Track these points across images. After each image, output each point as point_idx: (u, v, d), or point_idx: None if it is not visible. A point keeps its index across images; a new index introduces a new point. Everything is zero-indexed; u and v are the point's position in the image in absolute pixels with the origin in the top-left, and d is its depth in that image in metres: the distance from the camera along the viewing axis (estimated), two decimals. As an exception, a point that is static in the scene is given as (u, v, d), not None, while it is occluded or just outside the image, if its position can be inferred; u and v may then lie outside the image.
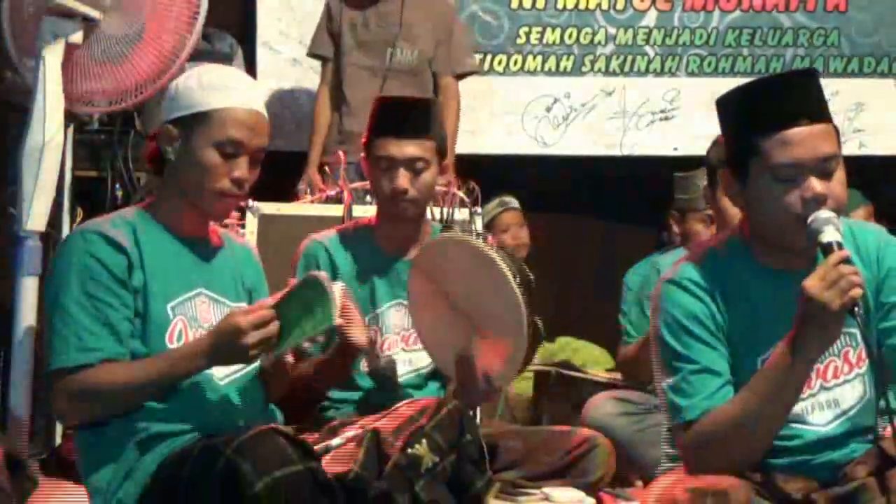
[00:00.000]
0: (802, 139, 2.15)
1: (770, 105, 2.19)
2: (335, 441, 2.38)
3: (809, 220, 2.14)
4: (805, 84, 2.22)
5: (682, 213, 4.01)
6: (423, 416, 2.35)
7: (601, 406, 3.39)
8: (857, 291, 2.06)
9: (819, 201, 2.15)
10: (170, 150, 2.48)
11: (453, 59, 4.70)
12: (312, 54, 4.75)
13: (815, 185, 2.15)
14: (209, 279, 2.50)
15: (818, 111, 2.19)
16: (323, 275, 2.36)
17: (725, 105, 2.28)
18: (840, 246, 2.11)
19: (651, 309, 2.34)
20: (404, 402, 2.47)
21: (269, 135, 2.52)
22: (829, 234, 2.12)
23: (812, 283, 2.07)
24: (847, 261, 2.09)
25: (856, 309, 2.07)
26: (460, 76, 4.74)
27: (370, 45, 4.62)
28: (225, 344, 2.29)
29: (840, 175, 2.19)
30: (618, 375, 4.00)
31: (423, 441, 2.30)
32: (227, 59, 4.77)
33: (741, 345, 2.25)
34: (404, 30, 4.59)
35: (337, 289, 2.38)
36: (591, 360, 4.84)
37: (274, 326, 2.29)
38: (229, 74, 2.57)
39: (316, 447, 2.34)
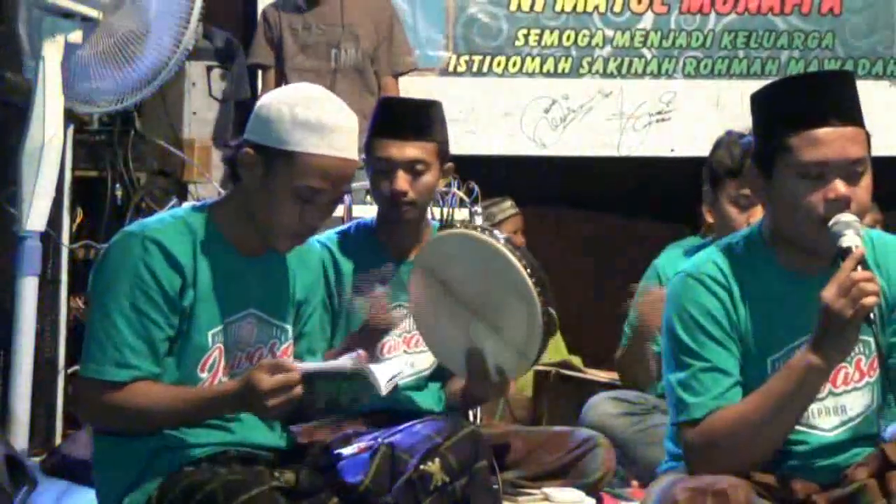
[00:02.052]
0: (832, 139, 2.13)
1: (802, 103, 2.17)
2: (347, 450, 2.37)
3: (831, 222, 2.12)
4: (839, 85, 2.20)
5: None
6: (439, 435, 2.32)
7: (601, 406, 3.38)
8: (870, 300, 2.04)
9: (841, 203, 2.12)
10: (246, 173, 2.33)
11: (394, 59, 4.77)
12: (252, 64, 4.81)
13: (840, 186, 2.12)
14: (262, 297, 2.42)
15: (850, 113, 2.17)
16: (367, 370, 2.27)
17: (758, 101, 2.25)
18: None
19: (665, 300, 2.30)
20: (420, 420, 2.43)
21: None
22: (848, 239, 2.09)
23: (828, 292, 2.05)
24: (864, 264, 2.06)
25: (871, 317, 2.05)
26: (400, 75, 4.80)
27: (313, 47, 4.68)
28: (246, 400, 2.23)
29: (866, 181, 2.16)
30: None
31: (437, 459, 2.27)
32: (228, 58, 4.80)
33: (753, 344, 2.23)
34: (346, 30, 4.67)
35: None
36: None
37: (297, 391, 2.20)
38: (326, 112, 2.30)
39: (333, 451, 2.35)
